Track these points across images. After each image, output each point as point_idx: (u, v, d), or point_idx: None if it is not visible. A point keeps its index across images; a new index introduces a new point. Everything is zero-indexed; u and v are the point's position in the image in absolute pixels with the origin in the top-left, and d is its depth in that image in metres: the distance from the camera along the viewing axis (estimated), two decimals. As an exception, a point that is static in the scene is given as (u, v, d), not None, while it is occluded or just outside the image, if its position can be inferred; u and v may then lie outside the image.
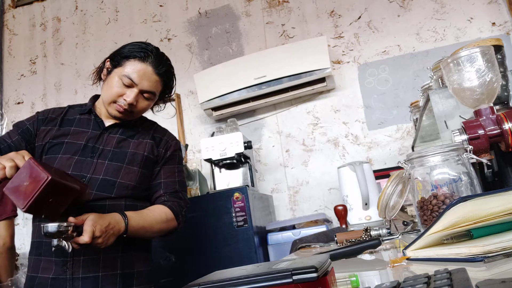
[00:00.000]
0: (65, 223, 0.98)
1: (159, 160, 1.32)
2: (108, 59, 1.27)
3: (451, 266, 0.42)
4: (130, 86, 1.21)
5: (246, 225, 1.99)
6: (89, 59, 3.19)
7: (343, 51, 2.69)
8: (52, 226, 0.96)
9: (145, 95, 1.24)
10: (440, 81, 1.26)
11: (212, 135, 2.46)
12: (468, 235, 0.61)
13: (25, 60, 3.34)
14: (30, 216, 3.55)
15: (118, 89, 1.21)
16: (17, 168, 0.96)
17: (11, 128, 1.28)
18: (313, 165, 2.61)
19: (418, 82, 2.40)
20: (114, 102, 1.22)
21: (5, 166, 0.96)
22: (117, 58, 1.24)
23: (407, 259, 0.64)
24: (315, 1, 2.79)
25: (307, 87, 2.53)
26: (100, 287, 1.15)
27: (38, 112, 1.33)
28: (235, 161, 2.27)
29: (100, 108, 1.32)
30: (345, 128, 2.60)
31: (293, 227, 2.19)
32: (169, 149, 1.35)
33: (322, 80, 2.49)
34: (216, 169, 2.35)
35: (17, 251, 2.30)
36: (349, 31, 2.70)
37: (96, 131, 1.27)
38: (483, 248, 0.53)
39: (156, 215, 1.22)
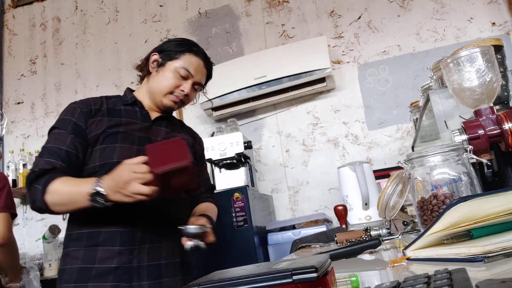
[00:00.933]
0: (205, 225, 1.11)
1: (197, 157, 1.39)
2: (155, 53, 1.31)
3: (451, 266, 0.42)
4: (186, 77, 1.27)
5: (246, 225, 1.99)
6: (89, 59, 3.19)
7: (343, 51, 2.69)
8: (194, 228, 1.08)
9: (196, 86, 1.31)
10: (440, 81, 1.26)
11: (212, 135, 2.46)
12: (468, 235, 0.61)
13: (25, 60, 3.34)
14: (30, 216, 3.51)
15: (175, 81, 1.26)
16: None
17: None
18: (313, 165, 2.61)
19: (418, 82, 2.39)
20: (171, 93, 1.27)
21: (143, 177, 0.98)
22: (169, 52, 1.29)
23: (407, 259, 0.64)
24: (315, 1, 2.79)
25: (307, 87, 2.53)
26: (163, 275, 1.17)
27: (76, 105, 1.25)
28: (235, 161, 2.27)
29: (143, 100, 1.32)
30: (345, 128, 2.60)
31: (293, 227, 2.19)
32: (202, 148, 1.46)
33: (322, 80, 2.49)
34: (216, 169, 2.35)
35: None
36: (349, 31, 2.70)
37: (145, 122, 1.29)
38: (483, 248, 0.53)
39: (214, 211, 1.37)
